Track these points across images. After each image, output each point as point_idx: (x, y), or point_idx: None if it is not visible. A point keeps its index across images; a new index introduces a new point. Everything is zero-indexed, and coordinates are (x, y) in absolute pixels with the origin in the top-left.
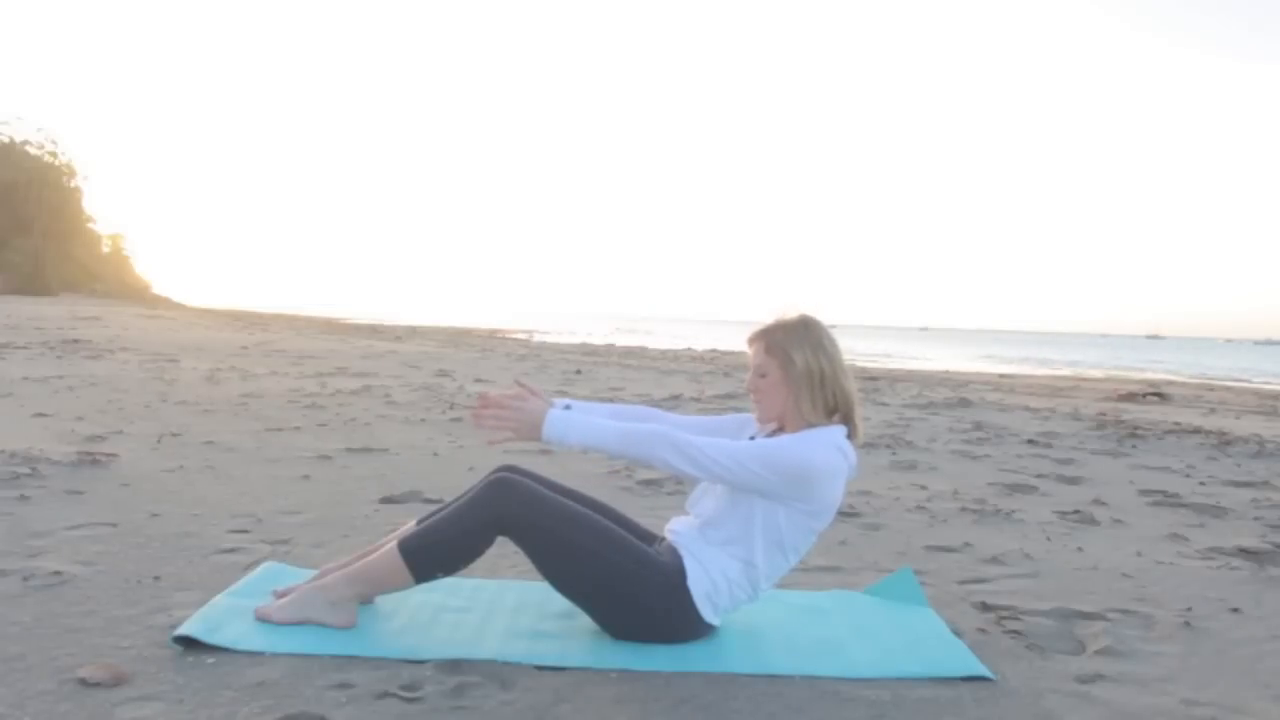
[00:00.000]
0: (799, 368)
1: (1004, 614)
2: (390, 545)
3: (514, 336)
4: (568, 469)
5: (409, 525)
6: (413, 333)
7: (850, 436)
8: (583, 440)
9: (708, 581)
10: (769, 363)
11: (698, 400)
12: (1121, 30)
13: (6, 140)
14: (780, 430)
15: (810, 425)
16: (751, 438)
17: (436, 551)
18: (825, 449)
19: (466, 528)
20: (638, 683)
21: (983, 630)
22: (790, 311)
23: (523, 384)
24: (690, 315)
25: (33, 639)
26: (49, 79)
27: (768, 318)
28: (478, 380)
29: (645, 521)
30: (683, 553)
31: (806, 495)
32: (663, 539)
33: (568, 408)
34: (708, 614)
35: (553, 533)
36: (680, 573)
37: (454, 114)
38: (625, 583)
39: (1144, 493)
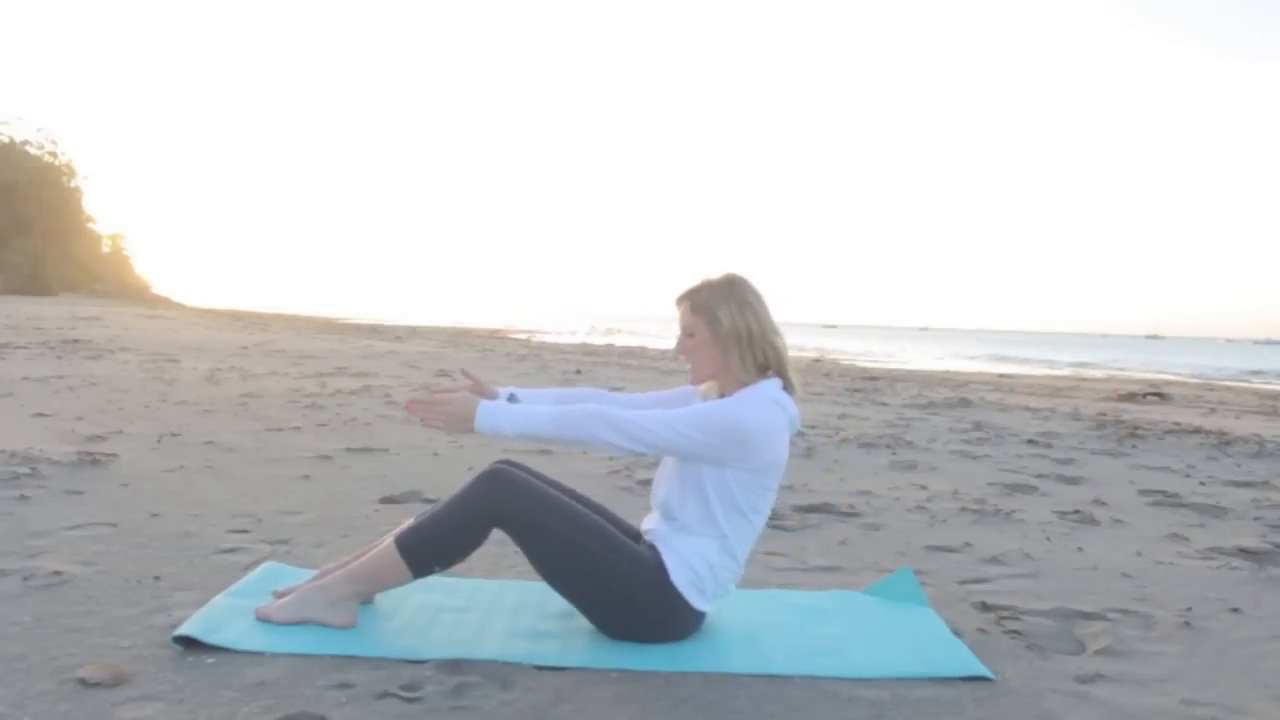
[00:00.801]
0: (726, 326)
1: (1004, 614)
2: (387, 542)
3: (515, 337)
4: (568, 469)
5: (407, 522)
6: (413, 333)
7: (787, 390)
8: (516, 428)
9: (688, 570)
10: (696, 322)
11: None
12: (1121, 30)
13: (6, 140)
14: (722, 395)
15: (744, 384)
16: None
17: (432, 545)
18: (761, 406)
19: (461, 521)
20: (638, 683)
21: (983, 630)
22: (716, 271)
23: (468, 373)
24: None
25: (33, 639)
26: (49, 79)
27: (694, 279)
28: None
29: (641, 521)
30: (660, 548)
31: (747, 455)
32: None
33: (512, 397)
34: (698, 602)
35: (546, 527)
36: (663, 568)
37: (454, 115)
38: (619, 581)
39: (1144, 493)
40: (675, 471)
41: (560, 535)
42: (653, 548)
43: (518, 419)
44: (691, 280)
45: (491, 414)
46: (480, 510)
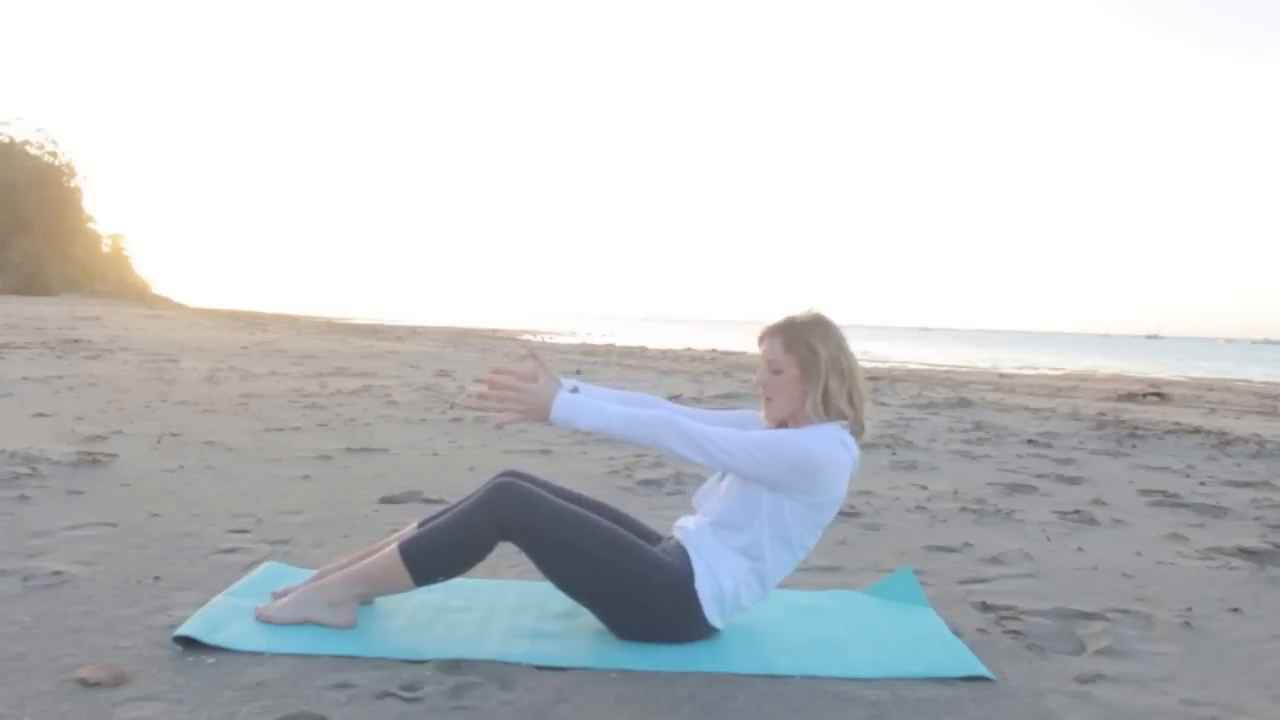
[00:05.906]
0: (824, 361)
1: (1004, 614)
2: (391, 547)
3: (519, 337)
4: (568, 469)
5: (410, 527)
6: (413, 333)
7: (854, 433)
8: (591, 424)
9: (714, 584)
10: (786, 359)
11: (698, 400)
12: (1121, 30)
13: (6, 140)
14: (785, 427)
15: (813, 424)
16: None
17: (438, 555)
18: (829, 441)
19: (468, 533)
20: (638, 683)
21: (983, 630)
22: (801, 309)
23: (536, 355)
24: (690, 315)
25: (33, 639)
26: (49, 79)
27: (777, 315)
28: (478, 380)
29: (645, 521)
30: (692, 554)
31: (811, 487)
32: (670, 537)
33: (575, 390)
34: (713, 617)
35: (555, 537)
36: (688, 574)
37: (455, 115)
38: (629, 585)
39: (1144, 493)
40: (738, 491)
41: (575, 546)
42: (681, 550)
43: (592, 416)
44: (775, 316)
45: (569, 407)
46: (488, 526)
